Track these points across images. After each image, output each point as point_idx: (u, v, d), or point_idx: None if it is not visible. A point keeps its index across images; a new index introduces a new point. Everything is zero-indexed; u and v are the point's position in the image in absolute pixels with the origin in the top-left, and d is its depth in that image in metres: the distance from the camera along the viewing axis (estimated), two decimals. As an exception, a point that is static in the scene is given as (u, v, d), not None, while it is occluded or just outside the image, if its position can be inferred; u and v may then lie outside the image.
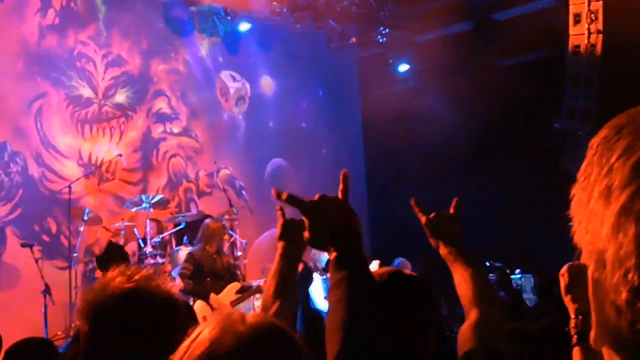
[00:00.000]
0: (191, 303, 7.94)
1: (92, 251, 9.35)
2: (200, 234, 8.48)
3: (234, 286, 8.37)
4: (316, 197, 2.02)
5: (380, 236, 13.08)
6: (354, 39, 13.40)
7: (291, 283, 2.38)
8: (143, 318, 1.94)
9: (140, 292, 1.98)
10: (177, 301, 2.09)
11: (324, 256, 8.48)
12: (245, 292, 8.52)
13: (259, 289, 8.64)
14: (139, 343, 1.92)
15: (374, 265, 9.18)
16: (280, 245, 2.45)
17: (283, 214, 2.52)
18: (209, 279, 8.19)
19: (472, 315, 2.29)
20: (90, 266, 9.44)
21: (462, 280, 2.39)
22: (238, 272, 9.24)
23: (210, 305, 8.04)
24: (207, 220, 8.71)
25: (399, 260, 9.53)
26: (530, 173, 11.40)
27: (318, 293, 8.88)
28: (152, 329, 1.93)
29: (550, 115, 11.46)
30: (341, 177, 2.06)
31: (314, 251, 8.38)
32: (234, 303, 8.22)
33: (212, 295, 8.09)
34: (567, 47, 11.23)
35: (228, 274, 8.47)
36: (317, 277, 8.56)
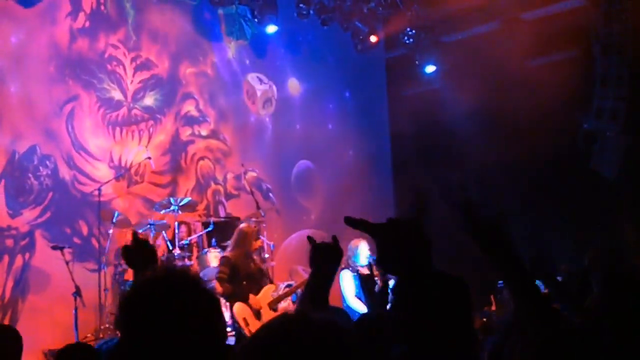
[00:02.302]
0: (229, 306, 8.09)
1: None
2: (234, 237, 8.53)
3: (270, 288, 8.49)
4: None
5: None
6: (377, 38, 13.35)
7: (322, 299, 2.48)
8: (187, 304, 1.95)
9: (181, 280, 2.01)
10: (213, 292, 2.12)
11: (359, 254, 8.51)
12: (282, 293, 8.67)
13: (294, 290, 8.74)
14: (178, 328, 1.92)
15: None
16: (311, 268, 2.60)
17: (311, 241, 2.64)
18: (244, 282, 8.28)
19: (529, 335, 2.27)
20: (120, 269, 9.53)
21: (510, 296, 2.35)
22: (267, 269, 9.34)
23: (250, 306, 8.13)
24: (242, 224, 8.77)
25: None
26: (557, 174, 11.30)
27: (350, 291, 8.89)
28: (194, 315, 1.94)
29: (579, 115, 11.37)
30: (416, 197, 2.09)
31: (350, 250, 8.42)
32: (272, 304, 8.33)
33: (251, 296, 8.21)
34: (596, 47, 11.13)
35: (262, 276, 8.55)
36: (349, 275, 8.59)
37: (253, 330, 8.27)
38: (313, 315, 1.45)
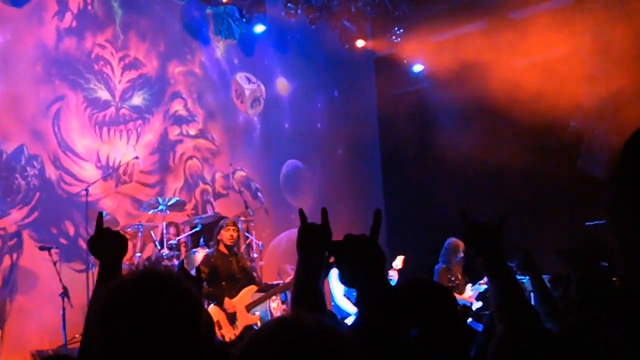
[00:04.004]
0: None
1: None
2: (215, 236, 8.48)
3: (250, 289, 8.34)
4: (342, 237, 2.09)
5: (396, 235, 13.06)
6: (364, 42, 13.39)
7: (314, 290, 2.33)
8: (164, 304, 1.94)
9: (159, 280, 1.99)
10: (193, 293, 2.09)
11: None
12: (262, 295, 8.51)
13: (275, 293, 8.62)
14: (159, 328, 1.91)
15: (398, 261, 9.20)
16: (299, 253, 2.37)
17: (303, 217, 2.43)
18: (224, 282, 8.17)
19: (498, 331, 2.31)
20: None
21: (491, 294, 2.39)
22: (255, 274, 9.17)
23: (225, 310, 8.01)
24: (221, 221, 8.70)
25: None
26: (547, 172, 11.34)
27: (339, 290, 8.89)
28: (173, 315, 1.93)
29: (566, 114, 11.41)
30: (374, 216, 2.13)
31: None
32: (250, 306, 8.20)
33: (227, 299, 8.08)
34: (583, 46, 11.17)
35: (244, 276, 8.44)
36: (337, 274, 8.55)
37: (225, 335, 8.15)
38: (306, 319, 1.45)
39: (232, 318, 7.98)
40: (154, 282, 1.98)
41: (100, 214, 2.78)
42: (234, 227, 8.35)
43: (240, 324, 8.01)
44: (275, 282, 9.73)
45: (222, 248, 8.29)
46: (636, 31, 10.13)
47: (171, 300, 1.94)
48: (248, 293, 8.26)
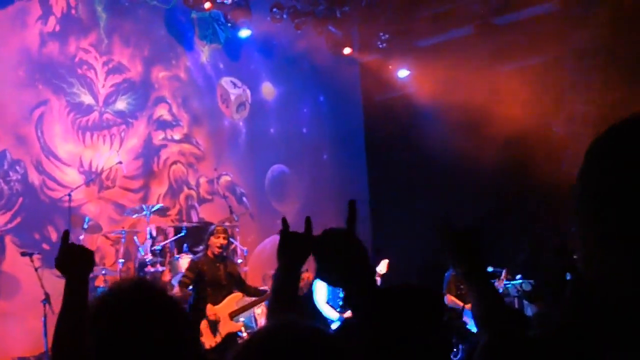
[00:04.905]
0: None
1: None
2: (205, 240, 8.42)
3: (235, 297, 8.25)
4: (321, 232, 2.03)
5: (381, 238, 13.04)
6: (350, 50, 13.41)
7: (291, 299, 2.30)
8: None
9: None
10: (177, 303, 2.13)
11: None
12: (248, 302, 8.41)
13: (260, 301, 8.52)
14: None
15: (382, 266, 9.15)
16: (279, 261, 2.36)
17: (285, 224, 2.42)
18: (209, 288, 8.10)
19: (482, 339, 2.26)
20: (91, 275, 9.42)
21: (473, 303, 2.33)
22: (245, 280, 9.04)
23: (206, 317, 7.93)
24: (211, 227, 8.62)
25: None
26: (528, 178, 11.36)
27: (322, 297, 8.85)
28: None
29: (550, 119, 11.45)
30: (348, 207, 2.07)
31: None
32: (233, 314, 8.12)
33: (209, 306, 8.01)
34: (568, 51, 11.21)
35: (231, 282, 8.37)
36: (321, 283, 8.50)
37: (205, 342, 8.06)
38: (301, 324, 1.45)
39: (214, 325, 7.90)
40: (144, 293, 2.03)
41: (66, 232, 2.75)
42: (223, 235, 8.28)
43: (223, 331, 7.93)
44: (262, 289, 9.67)
45: (210, 254, 8.23)
46: (622, 38, 10.17)
47: (159, 311, 2.00)
48: (233, 300, 8.17)
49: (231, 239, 10.49)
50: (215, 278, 8.13)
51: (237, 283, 8.39)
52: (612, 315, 1.09)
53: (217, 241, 8.16)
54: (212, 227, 8.53)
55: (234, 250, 10.76)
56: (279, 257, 2.34)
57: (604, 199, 1.09)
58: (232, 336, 7.94)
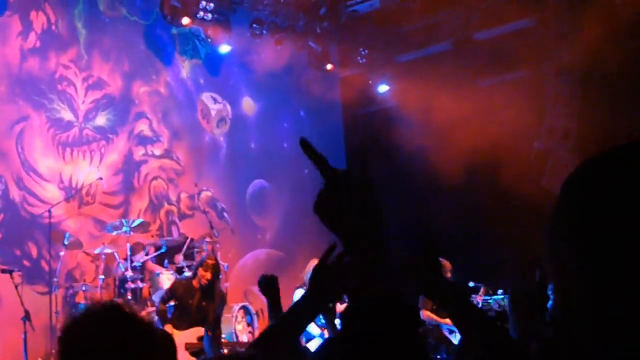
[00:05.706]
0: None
1: (73, 276, 9.26)
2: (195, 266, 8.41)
3: (200, 331, 8.20)
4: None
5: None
6: (332, 67, 13.47)
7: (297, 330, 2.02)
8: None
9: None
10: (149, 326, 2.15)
11: None
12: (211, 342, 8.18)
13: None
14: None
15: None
16: (310, 288, 2.00)
17: (326, 253, 1.97)
18: (176, 312, 8.05)
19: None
20: (71, 291, 9.37)
21: (459, 330, 2.16)
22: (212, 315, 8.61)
23: None
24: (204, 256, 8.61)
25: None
26: (507, 192, 11.42)
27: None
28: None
29: (530, 134, 11.54)
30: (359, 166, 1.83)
31: (310, 268, 8.22)
32: (189, 347, 8.00)
33: (170, 327, 7.89)
34: (548, 67, 11.33)
35: (199, 315, 8.26)
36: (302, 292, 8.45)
37: None
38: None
39: None
40: (115, 320, 2.05)
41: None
42: (211, 271, 8.29)
43: None
44: (240, 304, 9.60)
45: (196, 283, 8.24)
46: (602, 54, 10.28)
47: (131, 337, 2.03)
48: (196, 334, 8.14)
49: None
50: (185, 305, 8.10)
51: (203, 319, 8.28)
52: None
53: (205, 274, 8.21)
54: (205, 255, 8.53)
55: (210, 280, 10.64)
56: (311, 285, 1.99)
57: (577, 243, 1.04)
58: None
